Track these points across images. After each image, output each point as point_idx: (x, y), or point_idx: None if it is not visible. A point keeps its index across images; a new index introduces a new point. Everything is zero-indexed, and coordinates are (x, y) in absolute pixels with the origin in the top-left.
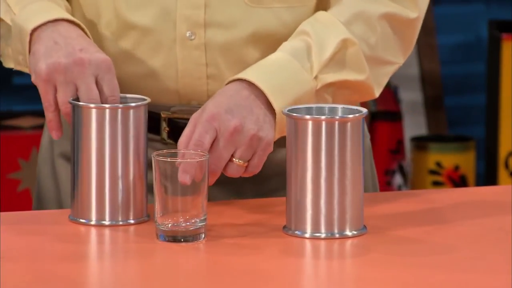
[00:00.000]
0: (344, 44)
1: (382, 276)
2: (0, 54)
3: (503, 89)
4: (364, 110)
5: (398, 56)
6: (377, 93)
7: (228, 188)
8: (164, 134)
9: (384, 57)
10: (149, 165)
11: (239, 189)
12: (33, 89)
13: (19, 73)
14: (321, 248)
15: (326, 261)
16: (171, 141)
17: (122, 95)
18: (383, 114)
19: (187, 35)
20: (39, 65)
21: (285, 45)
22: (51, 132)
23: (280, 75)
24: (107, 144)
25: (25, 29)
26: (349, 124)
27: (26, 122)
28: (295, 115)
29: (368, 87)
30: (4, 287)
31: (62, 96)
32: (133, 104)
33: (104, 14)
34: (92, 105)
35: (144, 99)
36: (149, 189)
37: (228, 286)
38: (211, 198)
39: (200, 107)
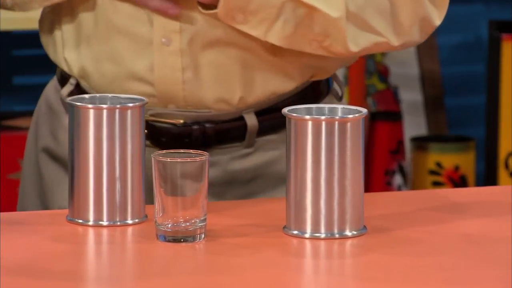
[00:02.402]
0: None
1: (382, 277)
2: (19, 5)
3: (503, 89)
4: (364, 110)
5: (389, 32)
6: (352, 48)
7: (209, 192)
8: None
9: (369, 22)
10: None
11: (219, 192)
12: (33, 89)
13: (19, 73)
14: (321, 248)
15: (326, 261)
16: (149, 144)
17: (118, 95)
18: (383, 114)
19: (163, 40)
20: None
21: None
22: (170, 12)
23: None
24: (105, 145)
25: None
26: (349, 124)
27: (26, 122)
28: (295, 115)
29: (340, 31)
30: (4, 287)
31: None
32: (130, 105)
33: (90, 11)
34: (89, 106)
35: (142, 100)
36: (148, 189)
37: (228, 286)
38: None
39: (177, 111)
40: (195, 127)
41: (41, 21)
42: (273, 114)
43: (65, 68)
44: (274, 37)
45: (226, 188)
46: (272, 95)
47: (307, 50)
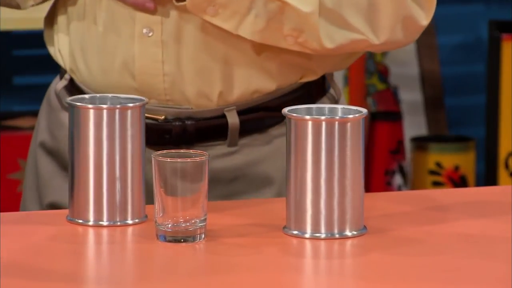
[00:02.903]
0: None
1: (382, 277)
2: (17, 3)
3: (503, 89)
4: (364, 110)
5: (367, 29)
6: (327, 44)
7: None
8: None
9: (346, 18)
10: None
11: None
12: (33, 89)
13: (20, 73)
14: (321, 248)
15: (326, 261)
16: None
17: (116, 95)
18: (383, 114)
19: (144, 31)
20: None
21: None
22: (147, 6)
23: None
24: (105, 145)
25: None
26: (349, 124)
27: (26, 122)
28: (295, 115)
29: (313, 27)
30: (4, 287)
31: None
32: (130, 105)
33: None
34: (89, 106)
35: (142, 100)
36: (148, 189)
37: (228, 286)
38: None
39: (159, 107)
40: (176, 123)
41: (45, 18)
42: (256, 114)
43: (61, 63)
44: (246, 31)
45: (208, 187)
46: (254, 93)
47: (283, 46)
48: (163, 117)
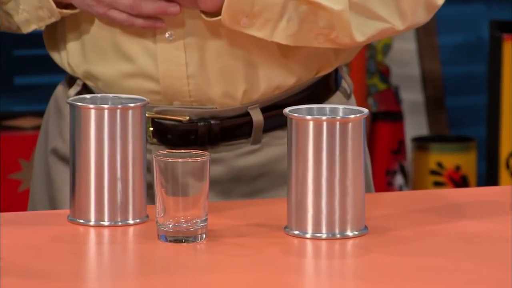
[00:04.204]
0: None
1: (383, 277)
2: (18, 26)
3: (504, 89)
4: (365, 110)
5: (393, 17)
6: (359, 38)
7: (215, 189)
8: (149, 134)
9: (373, 9)
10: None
11: (226, 190)
12: (34, 89)
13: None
14: (322, 248)
15: (327, 262)
16: (155, 140)
17: (119, 95)
18: (384, 114)
19: (166, 35)
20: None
21: None
22: (170, 11)
23: None
24: (106, 145)
25: None
26: (350, 124)
27: (27, 122)
28: (296, 116)
29: (345, 24)
30: (4, 287)
31: (122, 4)
32: (132, 105)
33: None
34: (91, 106)
35: (143, 100)
36: (149, 189)
37: (229, 286)
38: None
39: (183, 108)
40: (201, 123)
41: (46, 28)
42: (279, 110)
43: (69, 71)
44: (280, 37)
45: (232, 186)
46: (276, 89)
47: (314, 45)
48: (187, 118)
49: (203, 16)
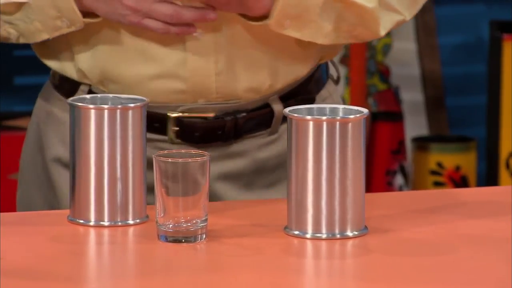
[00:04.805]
0: None
1: (383, 277)
2: (22, 36)
3: (504, 89)
4: (365, 110)
5: (405, 9)
6: (381, 33)
7: (239, 183)
8: (172, 134)
9: (392, 3)
10: (149, 166)
11: (249, 182)
12: (34, 89)
13: (20, 73)
14: (322, 248)
15: (327, 262)
16: (179, 141)
17: (118, 95)
18: (384, 114)
19: (194, 34)
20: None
21: None
22: (208, 18)
23: None
24: (106, 145)
25: None
26: (350, 124)
27: (27, 122)
28: (296, 116)
29: (375, 20)
30: (4, 287)
31: (161, 7)
32: (132, 105)
33: None
34: (91, 106)
35: (143, 100)
36: (149, 189)
37: (229, 286)
38: (221, 196)
39: (207, 105)
40: (228, 118)
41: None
42: (293, 99)
43: (75, 77)
44: (318, 36)
45: (255, 177)
46: (294, 80)
47: (340, 42)
48: (213, 114)
49: (246, 20)
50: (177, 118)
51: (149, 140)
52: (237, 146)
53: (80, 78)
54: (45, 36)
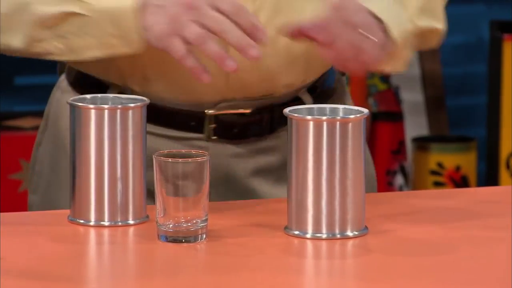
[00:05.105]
0: None
1: (383, 277)
2: (69, 50)
3: (504, 89)
4: (366, 110)
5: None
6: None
7: (270, 178)
8: (209, 132)
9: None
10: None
11: (280, 178)
12: (34, 89)
13: (21, 73)
14: (322, 248)
15: (327, 262)
16: (216, 138)
17: (118, 95)
18: (384, 114)
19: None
20: (155, 24)
21: None
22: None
23: (389, 12)
24: (106, 145)
25: (123, 8)
26: (350, 124)
27: (27, 122)
28: (296, 116)
29: (441, 37)
30: (4, 287)
31: (191, 31)
32: (132, 105)
33: None
34: (91, 106)
35: (143, 100)
36: (149, 189)
37: (229, 286)
38: (256, 191)
39: (246, 102)
40: (265, 113)
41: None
42: (315, 93)
43: (113, 79)
44: (401, 65)
45: (284, 173)
46: (321, 74)
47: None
48: (250, 110)
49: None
50: (214, 116)
51: (182, 139)
52: (270, 141)
53: (117, 79)
54: (96, 54)
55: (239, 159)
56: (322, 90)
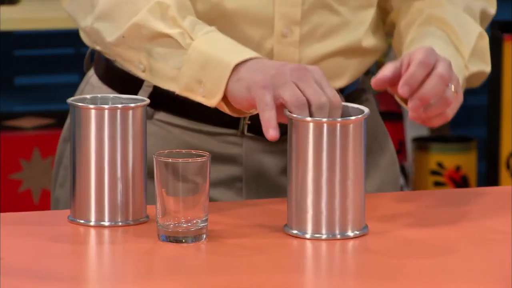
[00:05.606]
0: (480, 36)
1: (383, 277)
2: (149, 70)
3: (504, 89)
4: (366, 109)
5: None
6: None
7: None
8: (244, 128)
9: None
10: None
11: None
12: (35, 89)
13: (21, 73)
14: (322, 248)
15: (327, 262)
16: (250, 134)
17: (118, 95)
18: (384, 114)
19: (284, 31)
20: (256, 78)
21: (431, 33)
22: (267, 131)
23: (454, 62)
24: (106, 145)
25: (227, 62)
26: (351, 125)
27: (27, 122)
28: (295, 116)
29: (486, 77)
30: (4, 287)
31: (288, 92)
32: (132, 105)
33: (200, 2)
34: (91, 106)
35: (143, 100)
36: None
37: (229, 286)
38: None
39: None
40: None
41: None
42: (353, 91)
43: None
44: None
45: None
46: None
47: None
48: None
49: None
50: (253, 116)
51: (216, 134)
52: None
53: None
54: (172, 87)
55: (272, 156)
56: (357, 90)
